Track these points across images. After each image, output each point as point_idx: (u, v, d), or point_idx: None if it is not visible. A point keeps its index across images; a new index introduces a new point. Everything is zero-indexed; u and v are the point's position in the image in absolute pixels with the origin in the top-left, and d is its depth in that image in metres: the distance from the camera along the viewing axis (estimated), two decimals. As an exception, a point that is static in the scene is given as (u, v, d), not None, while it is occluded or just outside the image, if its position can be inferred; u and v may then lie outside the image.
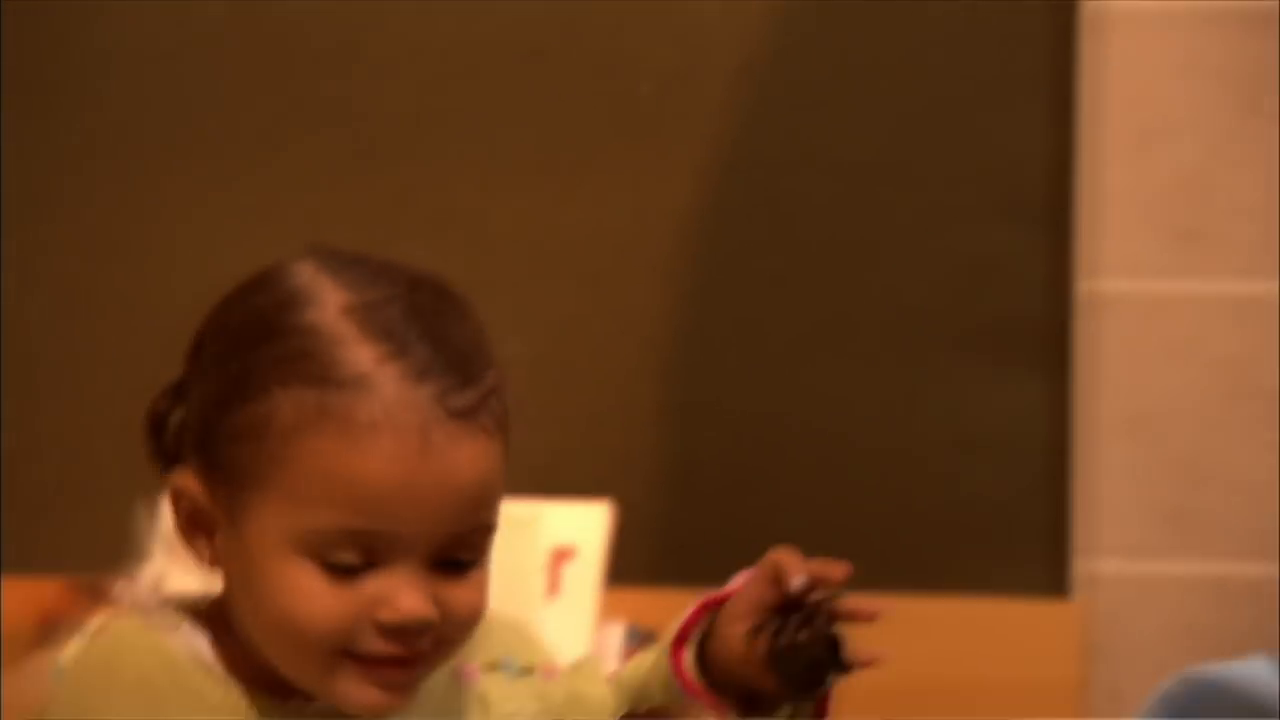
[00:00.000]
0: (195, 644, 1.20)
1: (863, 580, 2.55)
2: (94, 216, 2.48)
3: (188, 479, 1.18)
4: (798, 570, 1.22)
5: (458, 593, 1.17)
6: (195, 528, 1.18)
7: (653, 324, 2.48)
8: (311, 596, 1.14)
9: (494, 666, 1.26)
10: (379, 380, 1.13)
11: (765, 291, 2.50)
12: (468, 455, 1.15)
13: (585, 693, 1.28)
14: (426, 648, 1.17)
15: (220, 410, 1.16)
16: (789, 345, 2.49)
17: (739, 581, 1.26)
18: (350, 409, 1.13)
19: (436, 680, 1.20)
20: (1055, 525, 2.47)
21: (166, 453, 1.21)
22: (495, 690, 1.26)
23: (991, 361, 2.49)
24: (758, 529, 2.41)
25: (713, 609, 1.26)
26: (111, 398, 2.29)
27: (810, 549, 2.68)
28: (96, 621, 1.21)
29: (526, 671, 1.27)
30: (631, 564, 2.27)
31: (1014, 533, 2.49)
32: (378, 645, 1.15)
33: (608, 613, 2.24)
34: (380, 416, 1.13)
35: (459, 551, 1.17)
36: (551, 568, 2.19)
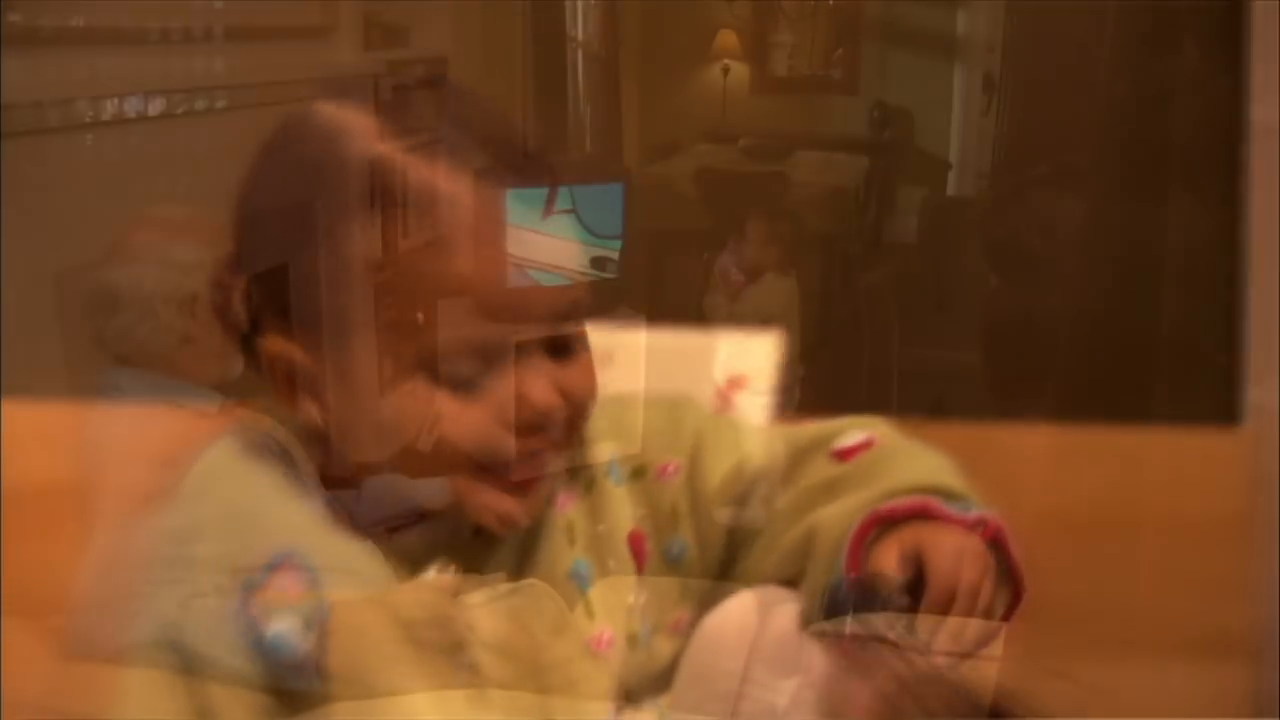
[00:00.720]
0: (292, 475, 1.23)
1: (1034, 410, 2.56)
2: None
3: (277, 342, 1.20)
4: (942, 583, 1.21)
5: (573, 377, 1.21)
6: (295, 386, 1.21)
7: (830, 156, 2.49)
8: (447, 418, 1.16)
9: (591, 485, 1.29)
10: (456, 191, 1.14)
11: (934, 120, 2.50)
12: (554, 239, 1.16)
13: (699, 487, 1.31)
14: (559, 437, 1.20)
15: (301, 264, 1.16)
16: (957, 176, 2.49)
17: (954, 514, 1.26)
18: (439, 225, 1.14)
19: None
20: (1227, 354, 2.46)
21: (236, 325, 1.23)
22: (586, 513, 1.29)
23: (1164, 189, 2.47)
24: (924, 360, 2.42)
25: (930, 516, 1.27)
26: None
27: (979, 378, 2.67)
28: (214, 446, 1.25)
29: (637, 474, 1.30)
30: (802, 393, 2.28)
31: (1186, 361, 2.48)
32: (517, 446, 1.18)
33: (778, 441, 2.27)
34: (469, 223, 1.14)
35: (564, 335, 1.20)
36: (723, 397, 2.21)
